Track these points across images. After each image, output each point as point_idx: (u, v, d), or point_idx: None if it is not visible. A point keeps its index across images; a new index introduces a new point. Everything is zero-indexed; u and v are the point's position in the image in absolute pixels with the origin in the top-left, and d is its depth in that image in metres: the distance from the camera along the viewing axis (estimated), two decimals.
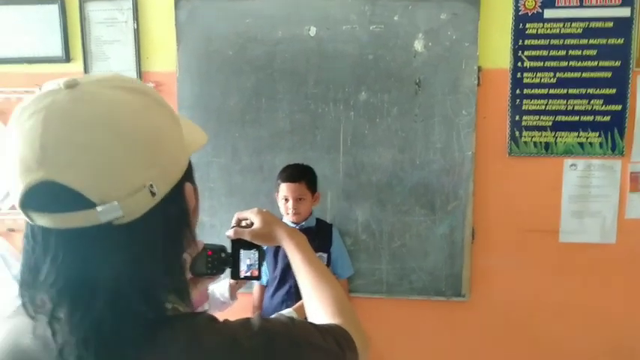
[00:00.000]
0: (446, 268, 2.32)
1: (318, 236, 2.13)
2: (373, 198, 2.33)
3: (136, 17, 2.41)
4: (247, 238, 0.99)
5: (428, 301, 2.34)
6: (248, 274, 1.02)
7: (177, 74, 2.40)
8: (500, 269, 2.31)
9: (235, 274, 1.02)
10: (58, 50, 2.45)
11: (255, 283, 2.28)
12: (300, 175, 2.12)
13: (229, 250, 1.01)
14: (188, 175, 0.67)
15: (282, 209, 2.14)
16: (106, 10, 2.44)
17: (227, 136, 2.39)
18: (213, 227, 2.39)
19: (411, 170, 2.30)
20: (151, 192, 0.58)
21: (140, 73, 2.44)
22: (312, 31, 2.32)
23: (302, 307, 1.89)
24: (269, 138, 2.37)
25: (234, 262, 1.01)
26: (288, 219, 2.12)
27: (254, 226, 1.00)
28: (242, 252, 1.03)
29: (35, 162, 0.55)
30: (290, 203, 2.09)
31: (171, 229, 0.63)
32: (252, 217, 1.02)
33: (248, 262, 1.02)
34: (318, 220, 2.22)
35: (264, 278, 2.20)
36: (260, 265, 1.02)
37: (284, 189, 2.11)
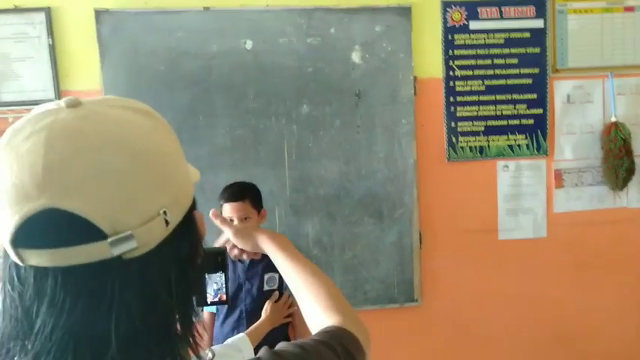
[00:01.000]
0: (397, 275, 2.34)
1: (267, 256, 2.04)
2: (322, 211, 2.30)
3: (51, 32, 2.19)
4: (230, 233, 0.99)
5: (383, 310, 2.34)
6: (216, 299, 0.95)
7: (102, 93, 2.21)
8: (447, 271, 2.39)
9: (201, 301, 0.95)
10: None
11: (205, 313, 2.14)
12: (243, 193, 2.02)
13: None
14: (195, 204, 0.61)
15: None
16: (13, 25, 2.19)
17: None
18: None
19: (357, 181, 2.31)
20: (165, 220, 0.51)
21: (59, 93, 2.21)
22: (249, 44, 2.25)
23: (255, 331, 1.80)
24: (209, 156, 2.26)
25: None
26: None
27: (235, 226, 0.99)
28: (207, 276, 0.95)
29: (35, 187, 0.46)
30: (235, 223, 1.98)
31: (185, 263, 0.56)
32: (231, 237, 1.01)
33: (215, 286, 0.95)
34: None
35: (213, 306, 2.08)
36: (227, 287, 0.96)
37: (227, 209, 2.00)
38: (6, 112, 2.19)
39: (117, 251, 0.48)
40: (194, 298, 0.84)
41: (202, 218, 0.61)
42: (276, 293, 1.97)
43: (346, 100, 2.30)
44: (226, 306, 2.01)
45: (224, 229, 1.01)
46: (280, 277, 2.13)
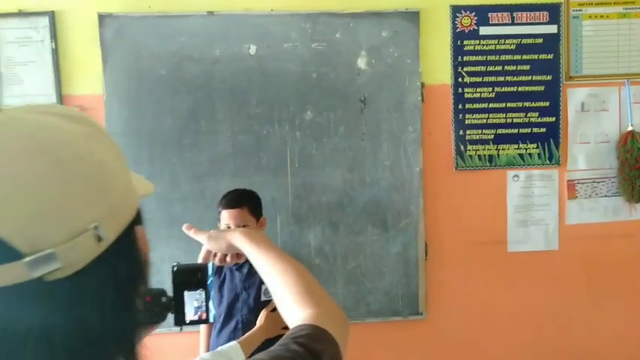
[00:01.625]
0: (402, 287, 2.27)
1: None
2: (324, 220, 2.24)
3: (54, 36, 2.18)
4: (204, 240, 0.96)
5: (386, 323, 2.28)
6: (196, 317, 0.88)
7: (104, 97, 2.19)
8: (454, 283, 2.31)
9: (180, 320, 0.88)
10: None
11: None
12: (242, 200, 1.97)
13: (170, 293, 0.89)
14: (138, 219, 0.55)
15: None
16: (18, 29, 2.18)
17: (163, 162, 2.21)
18: (152, 264, 2.18)
19: (361, 189, 2.25)
20: (97, 236, 0.46)
21: (61, 97, 2.20)
22: (252, 49, 2.22)
23: (248, 340, 1.75)
24: (210, 163, 2.22)
25: (177, 306, 0.88)
26: None
27: (211, 242, 0.97)
28: (186, 293, 0.90)
29: None
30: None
31: (123, 283, 0.50)
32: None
33: (195, 303, 0.89)
34: None
35: (211, 315, 2.03)
36: (207, 306, 0.91)
37: (225, 216, 1.95)
38: None
39: (37, 273, 0.42)
40: (145, 323, 0.77)
41: (145, 234, 0.55)
42: (273, 303, 1.92)
43: (351, 107, 2.25)
44: (222, 315, 1.97)
45: (199, 238, 0.97)
46: None
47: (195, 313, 0.88)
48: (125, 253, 0.50)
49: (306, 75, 2.23)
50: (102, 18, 2.17)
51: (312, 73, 2.23)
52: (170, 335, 2.24)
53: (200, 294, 0.89)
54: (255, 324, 1.87)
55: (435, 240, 2.29)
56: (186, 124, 2.21)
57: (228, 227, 1.92)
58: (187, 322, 0.88)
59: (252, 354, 0.69)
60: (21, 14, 2.18)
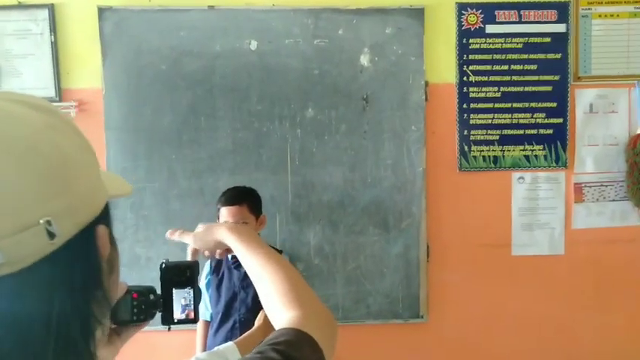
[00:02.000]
0: (402, 289, 2.22)
1: None
2: (325, 219, 2.20)
3: (54, 29, 2.15)
4: (190, 241, 0.92)
5: (385, 325, 2.23)
6: (183, 316, 0.86)
7: (103, 91, 2.16)
8: (456, 286, 2.26)
9: (168, 319, 0.86)
10: None
11: (200, 320, 2.06)
12: (241, 197, 1.94)
13: (159, 291, 0.85)
14: (103, 218, 0.51)
15: None
16: (17, 21, 2.16)
17: (161, 158, 2.17)
18: (150, 260, 2.15)
19: (362, 189, 2.21)
20: (48, 232, 0.42)
21: (60, 91, 2.17)
22: (253, 44, 2.18)
23: (245, 341, 1.71)
24: (209, 159, 2.19)
25: (165, 305, 0.85)
26: None
27: (196, 231, 0.92)
28: (175, 291, 0.86)
29: None
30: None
31: (76, 290, 0.46)
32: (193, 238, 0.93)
33: (183, 302, 0.87)
34: None
35: (207, 314, 2.00)
36: (196, 304, 0.88)
37: (224, 213, 1.92)
38: None
39: None
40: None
41: (106, 235, 0.50)
42: None
43: (353, 105, 2.21)
44: (220, 314, 1.93)
45: (185, 240, 0.92)
46: None
47: (183, 311, 0.86)
48: (82, 253, 0.47)
49: (308, 72, 2.19)
50: (102, 11, 2.14)
51: (314, 69, 2.19)
52: (166, 334, 2.21)
53: (188, 292, 0.86)
54: (254, 324, 1.83)
55: (438, 242, 2.24)
56: (185, 120, 2.18)
57: None
58: (175, 320, 0.85)
59: None
60: (20, 6, 2.15)
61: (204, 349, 2.02)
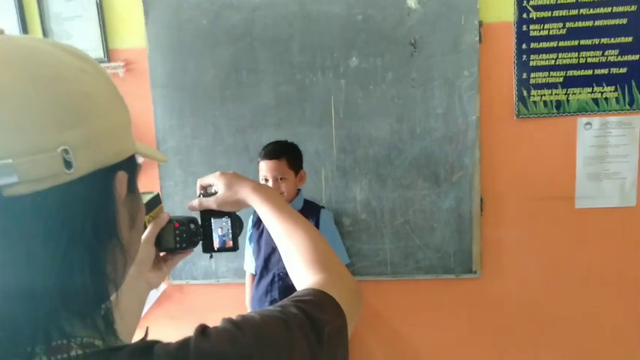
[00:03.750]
0: (454, 244, 2.14)
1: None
2: (371, 173, 2.13)
3: None
4: (213, 207, 0.87)
5: (436, 280, 2.17)
6: (221, 245, 0.89)
7: (147, 50, 2.17)
8: (512, 242, 2.14)
9: (208, 247, 0.89)
10: (14, 31, 2.22)
11: (247, 273, 2.11)
12: (280, 151, 1.90)
13: (200, 221, 0.89)
14: (127, 167, 0.51)
15: None
16: None
17: (206, 115, 2.18)
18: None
19: (410, 140, 2.10)
20: (65, 160, 0.43)
21: (107, 52, 2.21)
22: None
23: None
24: (252, 115, 2.16)
25: (204, 234, 0.89)
26: None
27: (218, 193, 0.87)
28: (213, 221, 0.89)
29: None
30: (270, 184, 1.87)
31: (89, 224, 0.46)
32: (215, 181, 0.87)
33: (220, 231, 0.89)
34: (306, 201, 2.01)
35: (253, 266, 2.02)
36: (234, 233, 0.90)
37: (263, 168, 1.90)
38: None
39: None
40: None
41: (125, 181, 0.51)
42: None
43: (400, 51, 2.07)
44: (260, 268, 1.96)
45: (209, 206, 0.87)
46: None
47: (221, 241, 0.89)
48: (98, 190, 0.47)
49: (351, 18, 2.08)
50: None
51: (358, 15, 2.07)
52: (216, 288, 2.29)
53: (226, 222, 0.88)
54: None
55: (492, 195, 2.11)
56: (228, 76, 2.15)
57: (266, 180, 1.88)
58: (215, 249, 0.89)
59: None
60: None
61: (250, 300, 2.06)
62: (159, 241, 0.86)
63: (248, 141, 2.17)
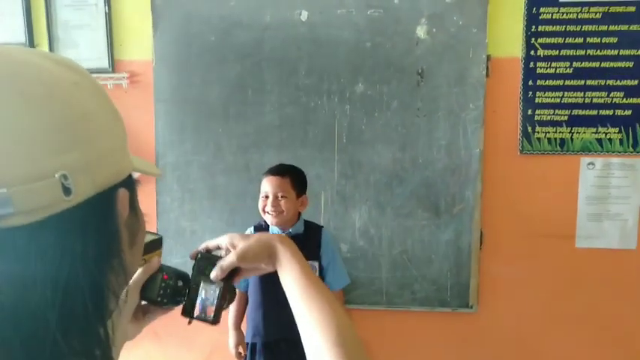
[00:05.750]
0: (451, 277, 2.11)
1: (307, 243, 1.81)
2: (371, 200, 2.11)
3: (107, 0, 2.16)
4: (234, 260, 0.77)
5: (432, 313, 2.13)
6: (202, 310, 0.79)
7: (153, 63, 2.16)
8: (510, 278, 2.11)
9: (188, 311, 0.79)
10: (20, 35, 2.20)
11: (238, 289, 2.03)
12: (286, 170, 1.87)
13: (190, 279, 0.80)
14: (126, 186, 0.48)
15: (260, 208, 1.85)
16: None
17: (209, 132, 2.16)
18: (194, 233, 2.16)
19: (412, 170, 2.09)
20: (64, 186, 0.40)
21: (113, 62, 2.20)
22: (304, 15, 2.09)
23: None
24: (255, 134, 2.15)
25: (189, 295, 0.79)
26: (268, 220, 1.86)
27: (246, 244, 0.77)
28: (202, 284, 0.79)
29: None
30: (270, 200, 1.82)
31: (91, 249, 0.43)
32: (226, 241, 0.79)
33: (203, 294, 0.79)
34: (307, 222, 1.94)
35: (243, 284, 1.93)
36: (220, 304, 0.79)
37: (265, 184, 1.85)
38: None
39: None
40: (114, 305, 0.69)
41: (126, 199, 0.48)
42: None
43: (407, 80, 2.07)
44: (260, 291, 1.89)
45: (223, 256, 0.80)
46: (320, 266, 1.97)
47: (202, 307, 0.79)
48: (99, 214, 0.44)
49: (360, 44, 2.08)
50: None
51: (366, 42, 2.08)
52: None
53: (214, 289, 0.79)
54: None
55: (492, 229, 2.09)
56: (233, 93, 2.14)
57: (266, 197, 1.83)
58: (194, 316, 0.79)
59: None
60: None
61: (241, 318, 1.98)
62: (143, 288, 0.78)
63: (249, 160, 2.15)
